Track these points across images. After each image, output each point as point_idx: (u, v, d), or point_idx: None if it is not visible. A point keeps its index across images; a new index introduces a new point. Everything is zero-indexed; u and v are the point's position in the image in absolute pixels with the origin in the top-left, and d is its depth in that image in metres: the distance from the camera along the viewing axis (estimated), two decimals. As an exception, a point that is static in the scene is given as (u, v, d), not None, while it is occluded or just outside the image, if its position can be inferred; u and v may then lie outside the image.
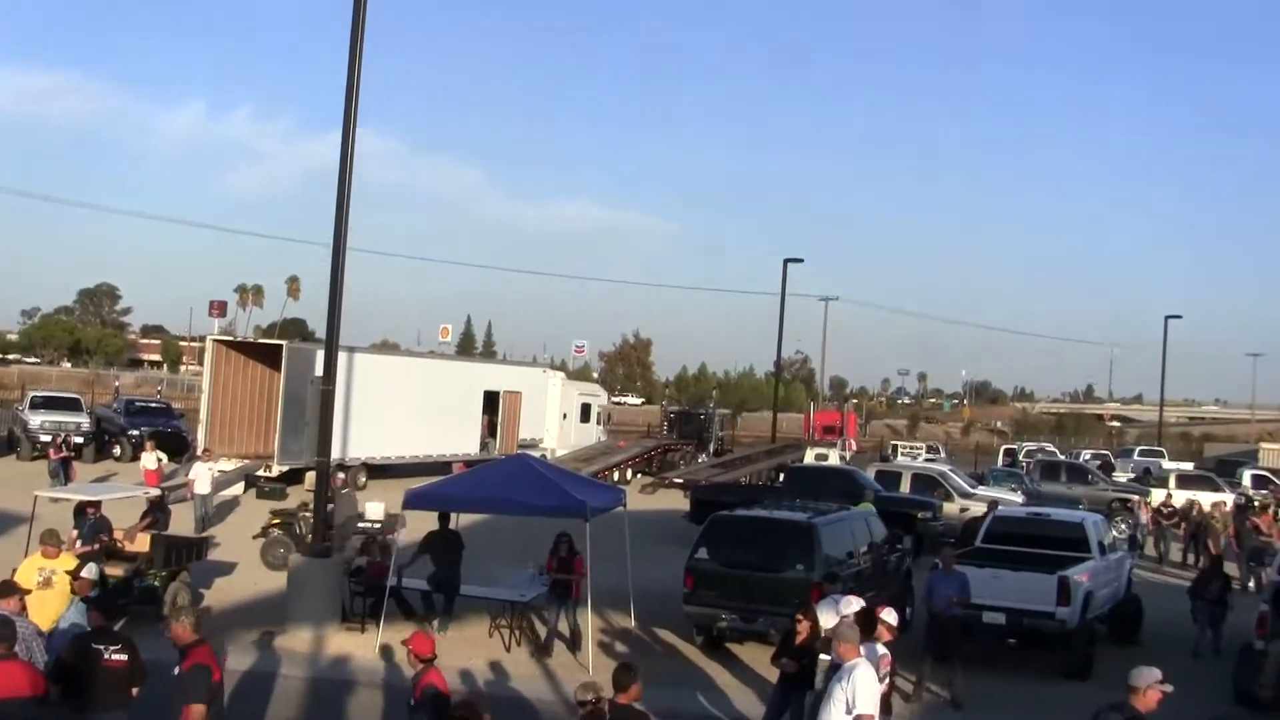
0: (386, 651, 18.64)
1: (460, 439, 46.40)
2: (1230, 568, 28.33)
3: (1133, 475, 58.64)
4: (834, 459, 52.29)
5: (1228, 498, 44.11)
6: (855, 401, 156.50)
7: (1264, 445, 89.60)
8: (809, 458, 52.33)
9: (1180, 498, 41.49)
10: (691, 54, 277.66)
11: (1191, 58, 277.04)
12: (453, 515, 21.44)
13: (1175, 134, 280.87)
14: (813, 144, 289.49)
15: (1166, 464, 64.26)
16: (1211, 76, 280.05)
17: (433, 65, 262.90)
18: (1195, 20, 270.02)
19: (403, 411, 42.39)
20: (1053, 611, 19.57)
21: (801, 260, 62.79)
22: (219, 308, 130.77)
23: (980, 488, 39.58)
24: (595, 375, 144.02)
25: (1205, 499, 41.78)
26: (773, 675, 14.82)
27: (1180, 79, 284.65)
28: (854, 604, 13.50)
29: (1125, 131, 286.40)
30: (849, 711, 10.85)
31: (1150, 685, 9.53)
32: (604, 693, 10.11)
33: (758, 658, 19.01)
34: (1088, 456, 67.43)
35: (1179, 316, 77.03)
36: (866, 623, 12.81)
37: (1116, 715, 9.34)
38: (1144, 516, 38.37)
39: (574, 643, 19.80)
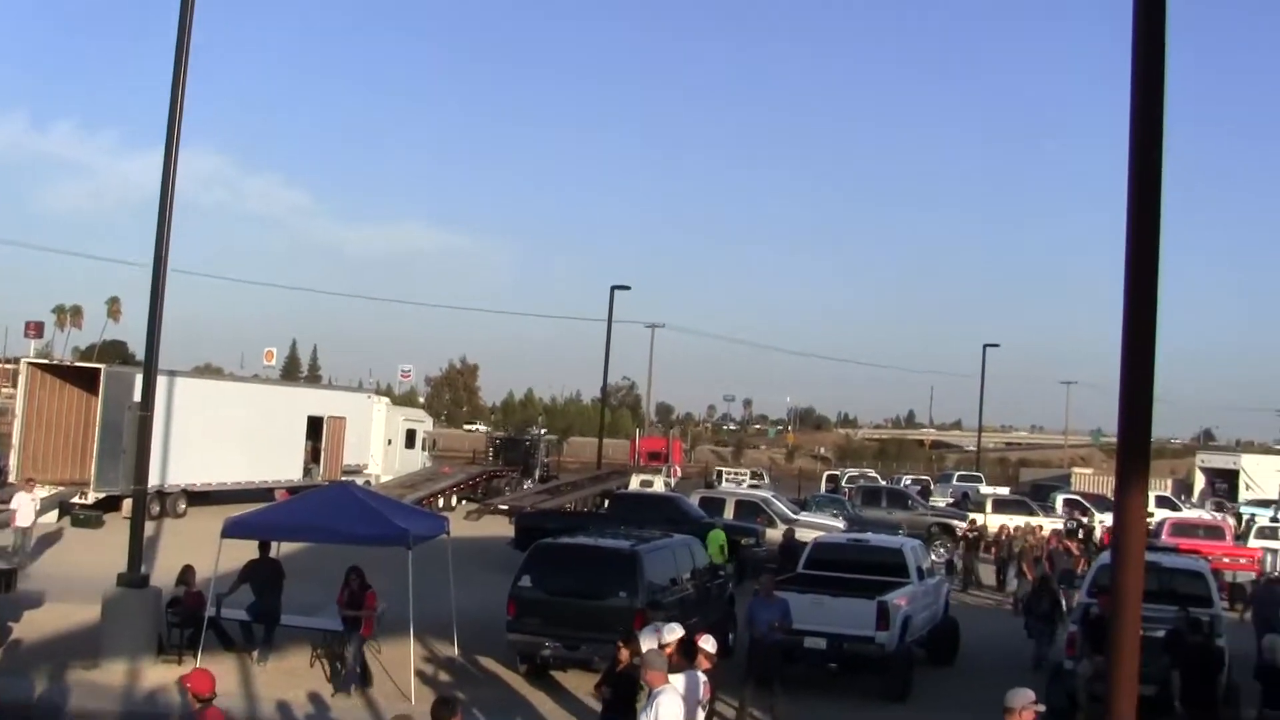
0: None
1: (283, 465, 45.75)
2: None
3: (951, 500, 59.77)
4: (659, 485, 52.66)
5: (1043, 521, 45.20)
6: (681, 428, 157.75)
7: (1076, 470, 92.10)
8: (634, 484, 52.54)
9: (996, 522, 42.36)
10: (518, 81, 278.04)
11: (991, 95, 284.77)
12: (274, 544, 21.15)
13: (988, 165, 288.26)
14: (640, 172, 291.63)
15: (984, 488, 65.63)
16: (1019, 110, 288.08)
17: (261, 83, 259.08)
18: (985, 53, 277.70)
19: (224, 437, 41.68)
20: (872, 636, 19.92)
21: (629, 288, 63.29)
22: (35, 329, 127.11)
23: (803, 513, 40.07)
24: (421, 400, 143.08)
25: (1020, 523, 42.79)
26: (596, 703, 14.85)
27: (987, 113, 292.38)
28: (677, 631, 13.57)
29: (942, 162, 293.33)
30: None
31: (1025, 706, 9.92)
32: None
33: (582, 685, 19.00)
34: (908, 482, 68.65)
35: (997, 345, 79.21)
36: (687, 650, 12.90)
37: None
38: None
39: (346, 681, 19.15)
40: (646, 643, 13.36)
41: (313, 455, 48.43)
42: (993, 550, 36.24)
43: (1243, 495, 75.86)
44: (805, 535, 31.58)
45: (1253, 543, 41.32)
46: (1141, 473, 8.94)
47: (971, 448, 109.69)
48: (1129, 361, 8.89)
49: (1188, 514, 53.67)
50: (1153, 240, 8.98)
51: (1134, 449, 8.90)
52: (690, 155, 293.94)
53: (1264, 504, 64.76)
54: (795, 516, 38.06)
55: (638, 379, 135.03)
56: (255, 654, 20.20)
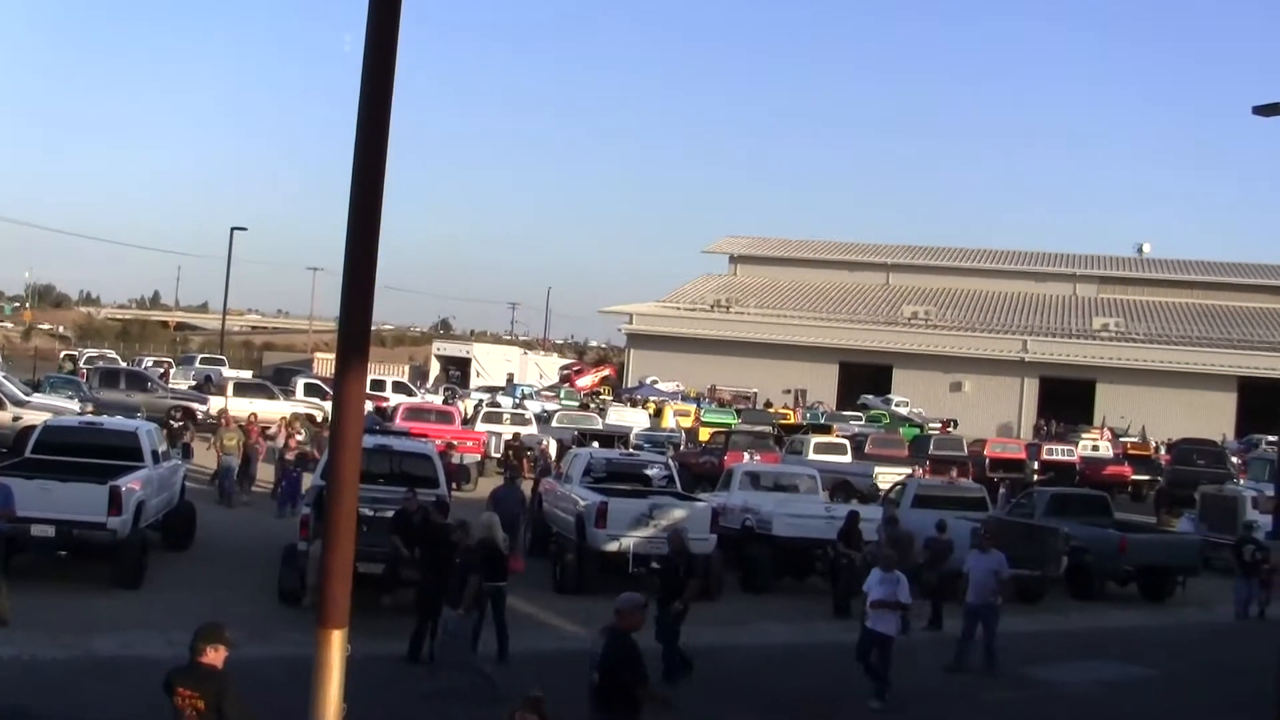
0: None
1: None
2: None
3: (194, 383, 59.11)
4: None
5: (284, 407, 45.67)
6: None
7: (319, 355, 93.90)
8: None
9: (237, 406, 42.37)
10: None
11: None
12: None
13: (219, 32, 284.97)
14: None
15: (227, 371, 65.24)
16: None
17: None
18: None
19: None
20: (104, 522, 19.66)
21: None
22: None
23: (36, 395, 38.50)
24: None
25: (261, 406, 43.18)
26: None
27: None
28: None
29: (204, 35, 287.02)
30: None
31: (633, 608, 10.96)
32: None
33: None
34: (150, 364, 67.22)
35: (245, 229, 78.69)
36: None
37: (607, 634, 10.74)
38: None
39: None
40: None
41: None
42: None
43: (474, 382, 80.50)
44: (37, 418, 30.42)
45: (480, 426, 43.90)
46: (360, 362, 9.28)
47: (217, 330, 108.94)
48: (352, 253, 9.15)
49: (421, 399, 56.08)
50: (380, 136, 9.28)
51: (352, 337, 9.22)
52: None
53: (492, 390, 69.07)
54: (27, 399, 36.50)
55: None
56: None
